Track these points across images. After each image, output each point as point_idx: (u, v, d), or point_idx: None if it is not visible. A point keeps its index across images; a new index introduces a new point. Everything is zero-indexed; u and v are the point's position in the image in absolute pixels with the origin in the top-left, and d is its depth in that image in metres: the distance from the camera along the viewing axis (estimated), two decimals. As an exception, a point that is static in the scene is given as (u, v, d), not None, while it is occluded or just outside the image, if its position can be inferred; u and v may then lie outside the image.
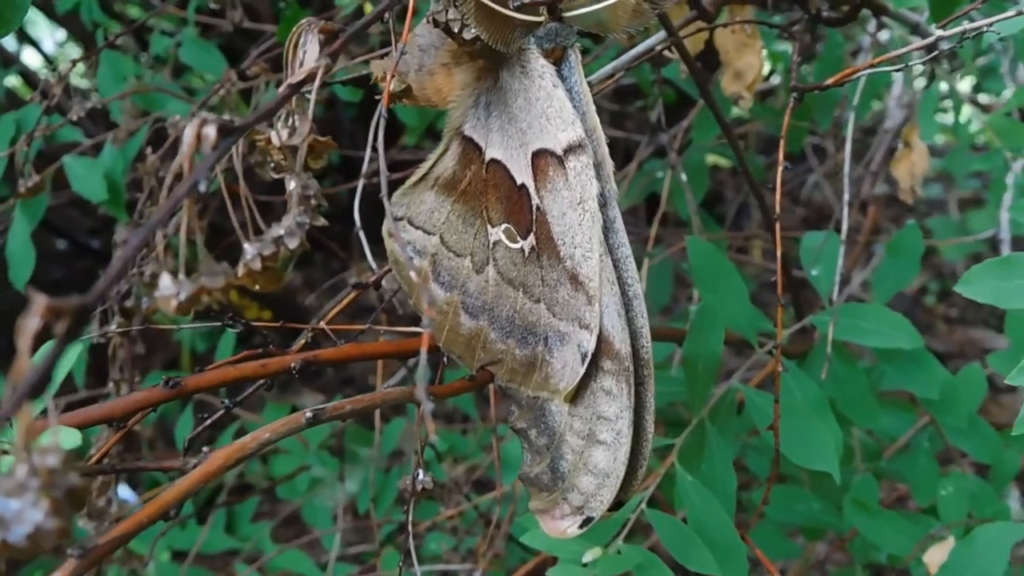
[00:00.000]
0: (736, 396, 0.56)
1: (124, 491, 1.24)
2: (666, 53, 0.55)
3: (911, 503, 0.95)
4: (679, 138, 0.83)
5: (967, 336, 1.42)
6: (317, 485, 0.95)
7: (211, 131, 0.21)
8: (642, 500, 0.50)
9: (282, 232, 0.24)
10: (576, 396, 0.36)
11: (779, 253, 0.45)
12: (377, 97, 0.30)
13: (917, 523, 0.63)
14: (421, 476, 0.40)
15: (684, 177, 0.80)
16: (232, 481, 1.07)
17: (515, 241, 0.36)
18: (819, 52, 0.67)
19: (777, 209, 0.45)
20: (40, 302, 0.16)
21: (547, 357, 0.36)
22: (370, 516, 0.90)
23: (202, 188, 0.19)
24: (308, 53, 0.27)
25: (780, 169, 0.45)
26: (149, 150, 0.61)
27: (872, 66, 0.43)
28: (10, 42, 1.22)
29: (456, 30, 0.31)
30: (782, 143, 0.46)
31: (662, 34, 0.47)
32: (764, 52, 0.57)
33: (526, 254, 0.36)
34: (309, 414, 0.27)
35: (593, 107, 0.34)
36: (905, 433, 0.75)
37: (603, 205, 0.34)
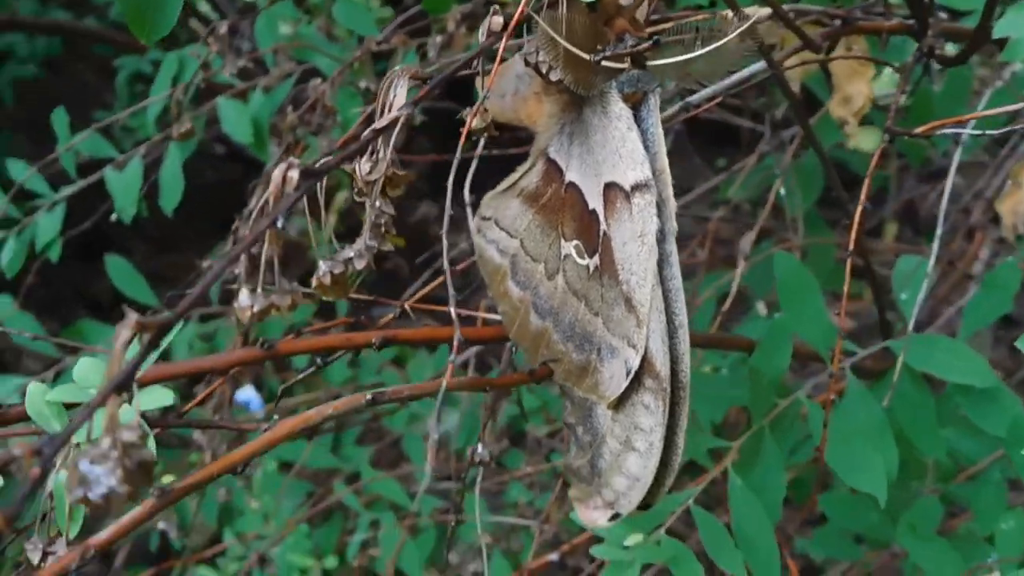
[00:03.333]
0: (800, 409, 0.58)
1: (247, 393, 1.33)
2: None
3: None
4: (798, 139, 0.85)
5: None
6: (416, 420, 1.01)
7: (295, 175, 0.25)
8: (691, 497, 0.53)
9: (352, 255, 0.29)
10: (619, 404, 0.40)
11: (846, 288, 0.48)
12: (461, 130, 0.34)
13: (970, 552, 0.64)
14: (480, 450, 0.44)
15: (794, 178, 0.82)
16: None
17: (583, 258, 0.40)
18: (940, 81, 0.68)
19: (851, 245, 0.47)
20: (131, 318, 0.21)
21: (598, 365, 0.40)
22: (461, 456, 0.96)
23: (279, 224, 0.23)
24: (397, 98, 0.31)
25: (860, 208, 0.48)
26: (290, 109, 0.67)
27: (959, 122, 0.44)
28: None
29: (544, 72, 0.35)
30: (866, 183, 0.48)
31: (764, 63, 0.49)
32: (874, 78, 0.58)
33: (590, 271, 0.39)
34: (369, 396, 0.32)
35: (664, 149, 0.38)
36: (984, 459, 0.76)
37: (661, 240, 0.37)
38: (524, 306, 0.42)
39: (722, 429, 0.67)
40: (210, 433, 0.72)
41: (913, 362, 0.59)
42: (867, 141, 1.01)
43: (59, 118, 0.81)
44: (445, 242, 0.38)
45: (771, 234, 0.94)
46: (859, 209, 0.47)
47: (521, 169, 0.41)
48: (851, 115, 0.59)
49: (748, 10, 0.51)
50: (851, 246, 0.47)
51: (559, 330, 0.41)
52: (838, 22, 0.55)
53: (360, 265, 0.29)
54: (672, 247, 0.38)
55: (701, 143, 1.15)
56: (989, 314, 0.65)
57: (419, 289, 0.46)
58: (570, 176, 0.39)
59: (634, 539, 0.50)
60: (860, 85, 0.58)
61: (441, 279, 0.47)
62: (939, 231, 0.57)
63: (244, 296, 0.26)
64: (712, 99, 0.50)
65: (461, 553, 0.87)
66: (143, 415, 0.27)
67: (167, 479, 0.28)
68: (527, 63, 0.35)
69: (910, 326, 0.60)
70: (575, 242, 0.40)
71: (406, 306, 0.42)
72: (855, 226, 0.47)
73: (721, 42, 0.37)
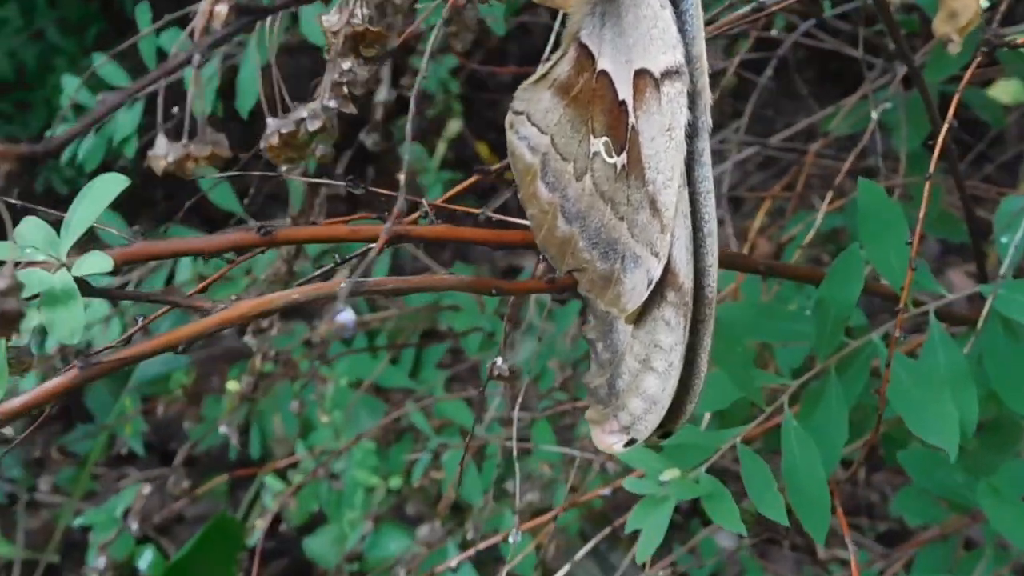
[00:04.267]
0: (873, 351, 0.53)
1: (346, 315, 1.34)
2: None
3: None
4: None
5: None
6: (490, 347, 0.99)
7: (223, 9, 0.22)
8: (739, 434, 0.50)
9: (305, 115, 0.26)
10: (639, 320, 0.36)
11: (922, 213, 0.43)
12: None
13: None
14: (500, 362, 0.41)
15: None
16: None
17: (611, 156, 0.36)
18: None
19: (930, 171, 0.42)
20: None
21: (621, 276, 0.36)
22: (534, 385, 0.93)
23: (195, 63, 0.21)
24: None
25: (945, 129, 0.43)
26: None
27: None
28: None
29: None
30: (955, 101, 0.43)
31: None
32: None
33: (618, 170, 0.36)
34: (343, 284, 0.29)
35: (703, 35, 0.33)
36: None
37: (692, 136, 0.33)
38: (552, 209, 0.39)
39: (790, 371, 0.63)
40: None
41: (1004, 309, 0.53)
42: (1005, 92, 0.93)
43: (142, 11, 0.80)
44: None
45: (876, 174, 0.88)
46: (943, 130, 0.42)
47: (554, 57, 0.38)
48: (956, 31, 0.53)
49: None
50: (930, 170, 0.42)
51: (585, 236, 0.38)
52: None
53: (314, 127, 0.26)
54: (705, 144, 0.34)
55: (814, 76, 1.08)
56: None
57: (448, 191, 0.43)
58: (602, 63, 0.36)
59: (671, 474, 0.47)
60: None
61: (473, 179, 0.44)
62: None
63: (160, 143, 0.24)
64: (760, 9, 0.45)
65: (524, 482, 0.85)
66: (79, 280, 0.25)
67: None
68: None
69: (1002, 270, 0.55)
70: (604, 138, 0.36)
71: (429, 206, 0.39)
72: (937, 152, 0.42)
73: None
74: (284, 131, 0.26)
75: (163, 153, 0.24)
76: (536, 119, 0.39)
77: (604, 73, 0.36)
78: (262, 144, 0.26)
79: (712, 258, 0.34)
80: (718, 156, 1.02)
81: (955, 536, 0.75)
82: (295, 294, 0.29)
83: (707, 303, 0.35)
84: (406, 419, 0.99)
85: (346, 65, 0.27)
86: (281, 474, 1.05)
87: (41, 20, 1.60)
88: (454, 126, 1.51)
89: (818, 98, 0.98)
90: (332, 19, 0.27)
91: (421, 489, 0.91)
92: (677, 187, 0.33)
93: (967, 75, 0.42)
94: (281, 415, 1.04)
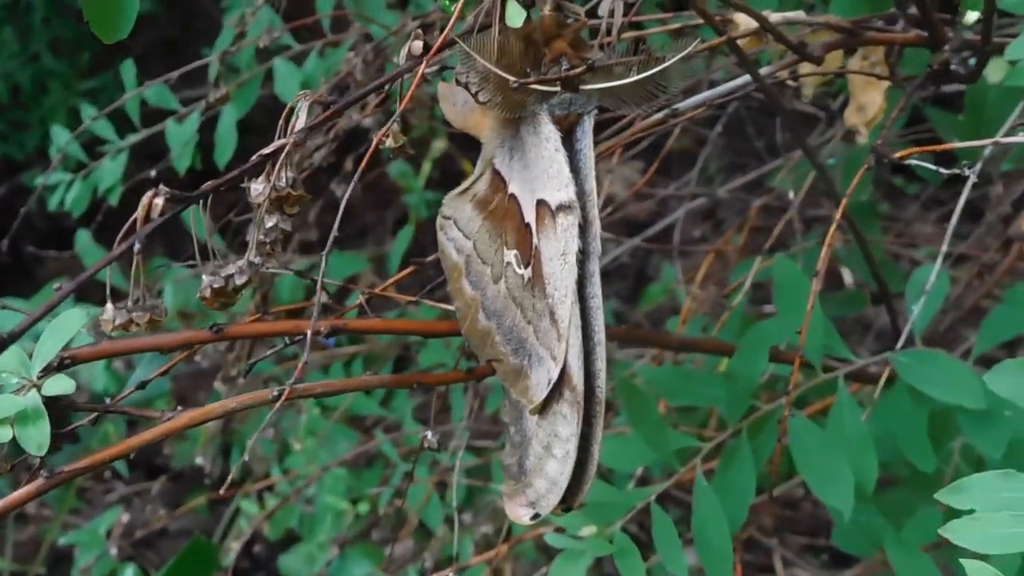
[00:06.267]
0: (781, 414, 0.59)
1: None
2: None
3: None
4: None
5: None
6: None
7: (160, 201, 0.27)
8: (653, 494, 0.55)
9: (233, 271, 0.31)
10: (542, 411, 0.41)
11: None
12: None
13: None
14: (429, 436, 0.46)
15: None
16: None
17: (520, 267, 0.41)
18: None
19: (818, 280, 0.47)
20: None
21: (528, 371, 0.41)
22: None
23: (137, 248, 0.25)
24: (297, 121, 0.32)
25: (831, 233, 0.48)
26: (322, 81, 0.69)
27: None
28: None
29: (473, 92, 0.36)
30: (841, 206, 0.48)
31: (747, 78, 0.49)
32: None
33: (525, 281, 0.41)
34: (275, 392, 0.34)
35: (593, 171, 0.39)
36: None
37: (583, 260, 0.39)
38: (475, 305, 0.44)
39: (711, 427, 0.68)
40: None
41: (906, 376, 0.58)
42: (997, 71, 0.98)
43: (127, 70, 0.85)
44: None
45: (820, 224, 0.93)
46: (830, 232, 0.47)
47: (474, 174, 0.43)
48: (863, 124, 0.58)
49: (737, 18, 0.51)
50: (818, 278, 0.47)
51: (501, 332, 0.43)
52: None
53: (240, 282, 0.31)
54: (595, 267, 0.39)
55: (763, 125, 1.14)
56: (1003, 332, 0.64)
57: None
58: (512, 188, 0.41)
59: (588, 530, 0.52)
60: (874, 95, 0.57)
61: (407, 271, 0.49)
62: (943, 247, 0.56)
63: (108, 310, 0.29)
64: (697, 108, 0.50)
65: (479, 514, 0.90)
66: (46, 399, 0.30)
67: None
68: (457, 81, 0.36)
69: (903, 338, 0.60)
70: (515, 251, 0.41)
71: (363, 296, 0.44)
72: (823, 254, 0.47)
73: (657, 68, 0.37)
74: (215, 286, 0.31)
75: (110, 318, 0.29)
76: (461, 225, 0.44)
77: (513, 196, 0.41)
78: (197, 295, 0.31)
79: (601, 363, 0.40)
80: (672, 203, 1.07)
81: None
82: (232, 403, 0.34)
83: (597, 401, 0.40)
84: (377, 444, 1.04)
85: (271, 223, 0.32)
86: (262, 491, 1.10)
87: (37, 43, 1.65)
88: (439, 145, 1.56)
89: (769, 147, 1.04)
90: (259, 187, 0.32)
91: (387, 516, 0.96)
92: (570, 303, 0.38)
93: (852, 185, 0.47)
94: (259, 440, 1.09)
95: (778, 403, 0.59)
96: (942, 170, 0.45)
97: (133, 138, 0.86)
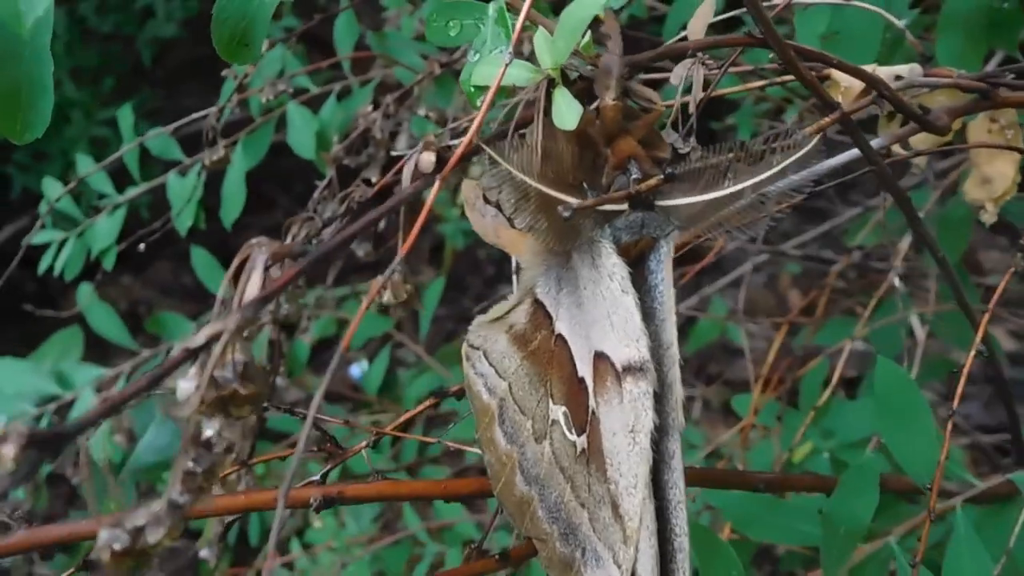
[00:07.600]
0: (889, 556, 0.48)
1: (356, 369, 1.32)
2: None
3: None
4: (946, 181, 0.73)
5: None
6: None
7: (10, 451, 0.17)
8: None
9: (143, 522, 0.20)
10: (602, 624, 0.31)
11: (949, 427, 0.37)
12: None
13: None
14: None
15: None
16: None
17: (571, 432, 0.31)
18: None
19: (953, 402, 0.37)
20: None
21: (582, 569, 0.31)
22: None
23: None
24: (250, 286, 0.22)
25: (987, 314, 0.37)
26: (335, 139, 0.59)
27: None
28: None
29: (507, 215, 0.26)
30: (981, 327, 0.37)
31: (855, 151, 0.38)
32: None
33: (577, 452, 0.31)
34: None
35: (673, 315, 0.28)
36: None
37: (658, 440, 0.28)
38: (511, 463, 0.34)
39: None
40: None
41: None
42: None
43: (124, 115, 0.76)
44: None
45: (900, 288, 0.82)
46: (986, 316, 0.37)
47: (511, 301, 0.33)
48: (990, 200, 0.47)
49: (835, 75, 0.41)
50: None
51: (544, 506, 0.33)
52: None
53: (154, 539, 0.20)
54: (676, 445, 0.29)
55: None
56: None
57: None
58: (560, 327, 0.31)
59: None
60: (1004, 166, 0.46)
61: (426, 405, 0.39)
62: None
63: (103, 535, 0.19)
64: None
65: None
66: None
67: None
68: (486, 199, 0.26)
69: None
70: (563, 408, 0.31)
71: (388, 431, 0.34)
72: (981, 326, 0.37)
73: (769, 172, 0.27)
74: (117, 547, 0.20)
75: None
76: (493, 359, 0.34)
77: (562, 338, 0.30)
78: (91, 555, 0.21)
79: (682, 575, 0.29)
80: (737, 258, 0.96)
81: None
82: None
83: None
84: (403, 522, 0.95)
85: (209, 433, 0.22)
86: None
87: (58, 71, 1.58)
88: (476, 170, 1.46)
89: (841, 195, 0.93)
90: (187, 387, 0.21)
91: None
92: (641, 498, 0.28)
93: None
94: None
95: (884, 541, 0.48)
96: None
97: (132, 192, 0.77)
